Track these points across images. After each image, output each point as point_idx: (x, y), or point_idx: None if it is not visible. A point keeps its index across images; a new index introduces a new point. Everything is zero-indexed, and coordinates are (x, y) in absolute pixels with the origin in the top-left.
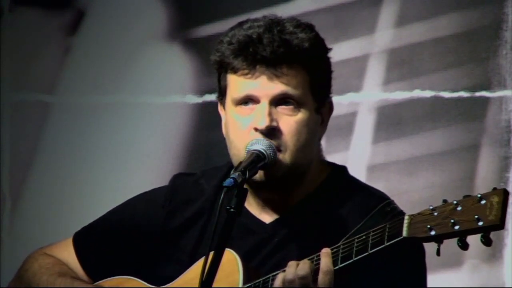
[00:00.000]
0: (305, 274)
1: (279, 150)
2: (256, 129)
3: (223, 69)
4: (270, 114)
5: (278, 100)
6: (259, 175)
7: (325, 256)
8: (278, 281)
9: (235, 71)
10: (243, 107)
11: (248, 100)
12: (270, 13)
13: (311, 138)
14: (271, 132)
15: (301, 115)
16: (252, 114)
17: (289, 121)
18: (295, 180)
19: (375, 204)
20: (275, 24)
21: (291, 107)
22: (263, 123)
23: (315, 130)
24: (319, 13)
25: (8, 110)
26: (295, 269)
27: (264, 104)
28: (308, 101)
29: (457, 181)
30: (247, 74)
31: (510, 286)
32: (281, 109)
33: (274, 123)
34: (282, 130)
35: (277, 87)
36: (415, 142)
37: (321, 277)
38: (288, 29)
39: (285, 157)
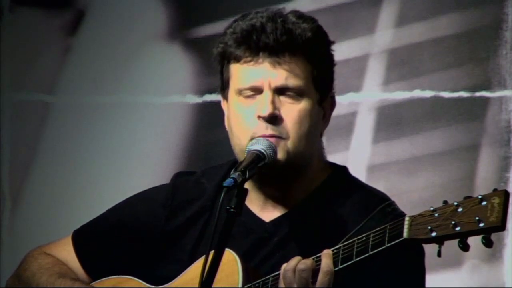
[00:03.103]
0: (304, 268)
1: (281, 138)
2: (259, 117)
3: (225, 60)
4: (273, 102)
5: (281, 90)
6: None
7: (326, 257)
8: (281, 271)
9: (238, 59)
10: (246, 96)
11: (251, 90)
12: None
13: (313, 129)
14: (274, 120)
15: (303, 104)
16: (255, 103)
17: (292, 109)
18: (296, 172)
19: (376, 205)
20: (278, 15)
21: (293, 95)
22: (266, 110)
23: (317, 122)
24: (319, 13)
25: (8, 110)
26: (297, 262)
27: (267, 92)
28: (310, 92)
29: (457, 181)
30: (250, 61)
31: (510, 286)
32: (284, 97)
33: (277, 111)
34: (284, 118)
35: (280, 77)
36: (415, 142)
37: (321, 277)
38: (291, 20)
39: (287, 144)
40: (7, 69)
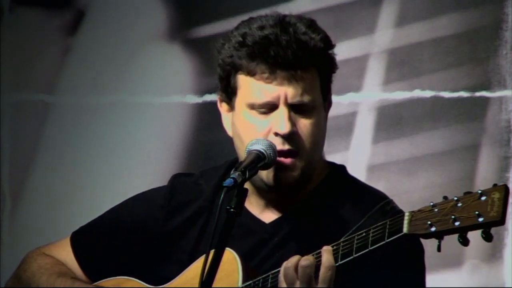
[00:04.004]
0: (308, 264)
1: (297, 155)
2: (276, 134)
3: (234, 69)
4: (290, 118)
5: (296, 106)
6: (270, 178)
7: (327, 253)
8: (281, 269)
9: (252, 74)
10: (260, 112)
11: (265, 107)
12: (273, 11)
13: (322, 139)
14: (292, 136)
15: (315, 118)
16: (270, 117)
17: (306, 124)
18: (304, 181)
19: (374, 203)
20: (287, 24)
21: (307, 110)
22: (285, 128)
23: (324, 129)
24: (319, 13)
25: (8, 110)
26: (298, 259)
27: (283, 109)
28: (320, 102)
29: (457, 181)
30: (267, 78)
31: (510, 286)
32: (298, 112)
33: (294, 128)
34: (299, 133)
35: (296, 93)
36: (415, 142)
37: (323, 272)
38: (301, 30)
39: (302, 161)
40: (7, 69)
